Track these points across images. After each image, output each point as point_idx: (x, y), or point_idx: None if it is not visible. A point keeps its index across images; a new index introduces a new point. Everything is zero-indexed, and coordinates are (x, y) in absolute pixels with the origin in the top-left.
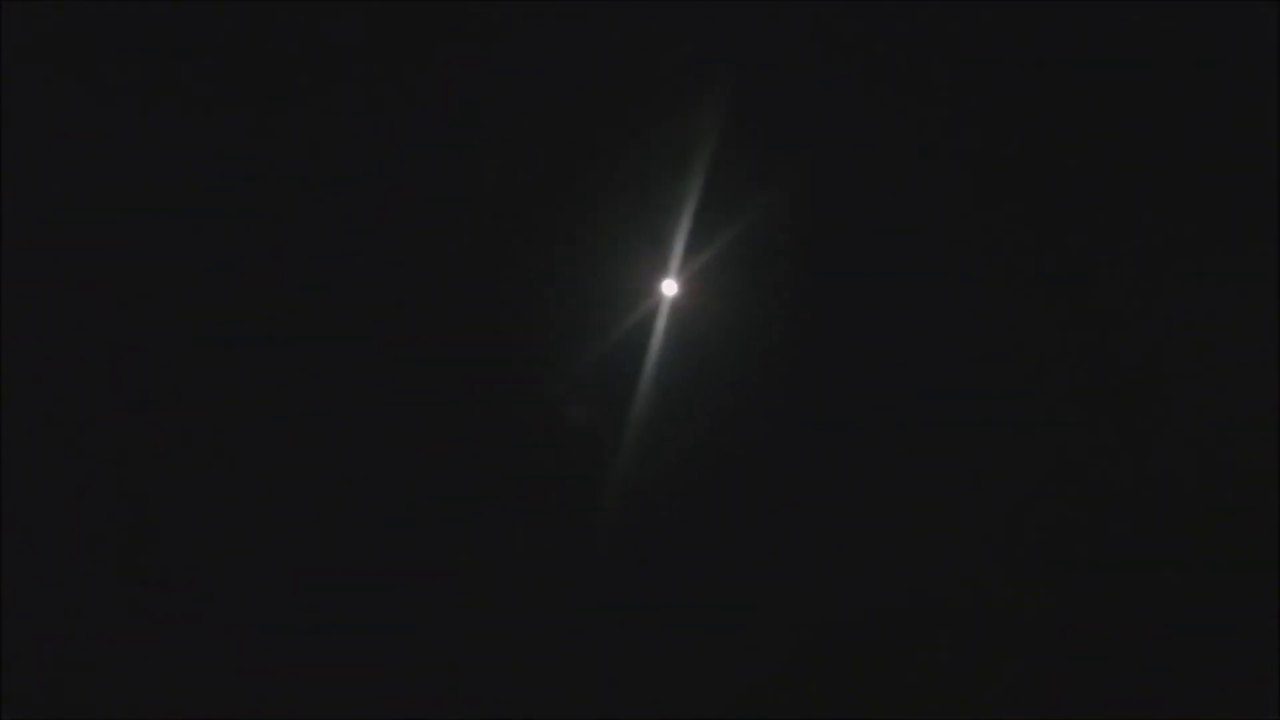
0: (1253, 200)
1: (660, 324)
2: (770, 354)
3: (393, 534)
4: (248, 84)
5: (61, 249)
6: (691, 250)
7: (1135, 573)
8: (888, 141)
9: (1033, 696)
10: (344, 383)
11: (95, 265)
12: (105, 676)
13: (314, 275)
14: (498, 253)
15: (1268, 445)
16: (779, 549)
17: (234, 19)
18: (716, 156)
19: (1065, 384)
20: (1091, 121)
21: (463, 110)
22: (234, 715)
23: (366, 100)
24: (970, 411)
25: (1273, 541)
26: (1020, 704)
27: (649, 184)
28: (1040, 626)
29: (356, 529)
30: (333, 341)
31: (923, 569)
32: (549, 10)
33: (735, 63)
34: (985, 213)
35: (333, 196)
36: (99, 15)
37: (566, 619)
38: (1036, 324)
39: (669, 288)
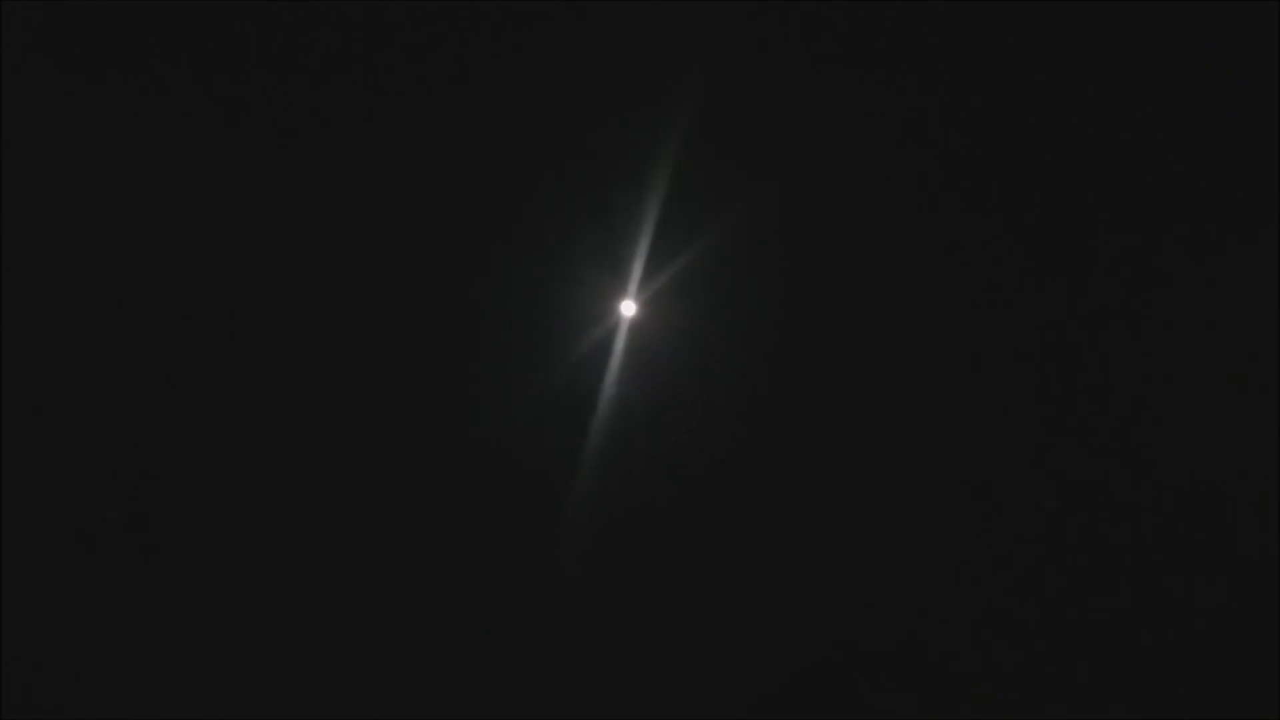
0: (1253, 201)
1: (619, 344)
2: (729, 374)
3: (351, 550)
4: (213, 85)
5: (61, 248)
6: (650, 271)
7: (1134, 574)
8: (846, 162)
9: (1033, 696)
10: (306, 402)
11: (91, 264)
12: (105, 676)
13: (277, 295)
14: (456, 273)
15: (1268, 447)
16: (739, 566)
17: (207, 17)
18: (675, 178)
19: (1042, 400)
20: (1076, 128)
21: (421, 132)
22: (234, 715)
23: (323, 129)
24: (934, 424)
25: (1273, 542)
26: (1020, 704)
27: (608, 205)
28: (1037, 626)
29: (320, 541)
30: (297, 361)
31: (882, 575)
32: (509, 34)
33: (694, 85)
34: (948, 226)
35: (296, 219)
36: (99, 14)
37: (528, 633)
38: (1002, 330)
39: (628, 308)
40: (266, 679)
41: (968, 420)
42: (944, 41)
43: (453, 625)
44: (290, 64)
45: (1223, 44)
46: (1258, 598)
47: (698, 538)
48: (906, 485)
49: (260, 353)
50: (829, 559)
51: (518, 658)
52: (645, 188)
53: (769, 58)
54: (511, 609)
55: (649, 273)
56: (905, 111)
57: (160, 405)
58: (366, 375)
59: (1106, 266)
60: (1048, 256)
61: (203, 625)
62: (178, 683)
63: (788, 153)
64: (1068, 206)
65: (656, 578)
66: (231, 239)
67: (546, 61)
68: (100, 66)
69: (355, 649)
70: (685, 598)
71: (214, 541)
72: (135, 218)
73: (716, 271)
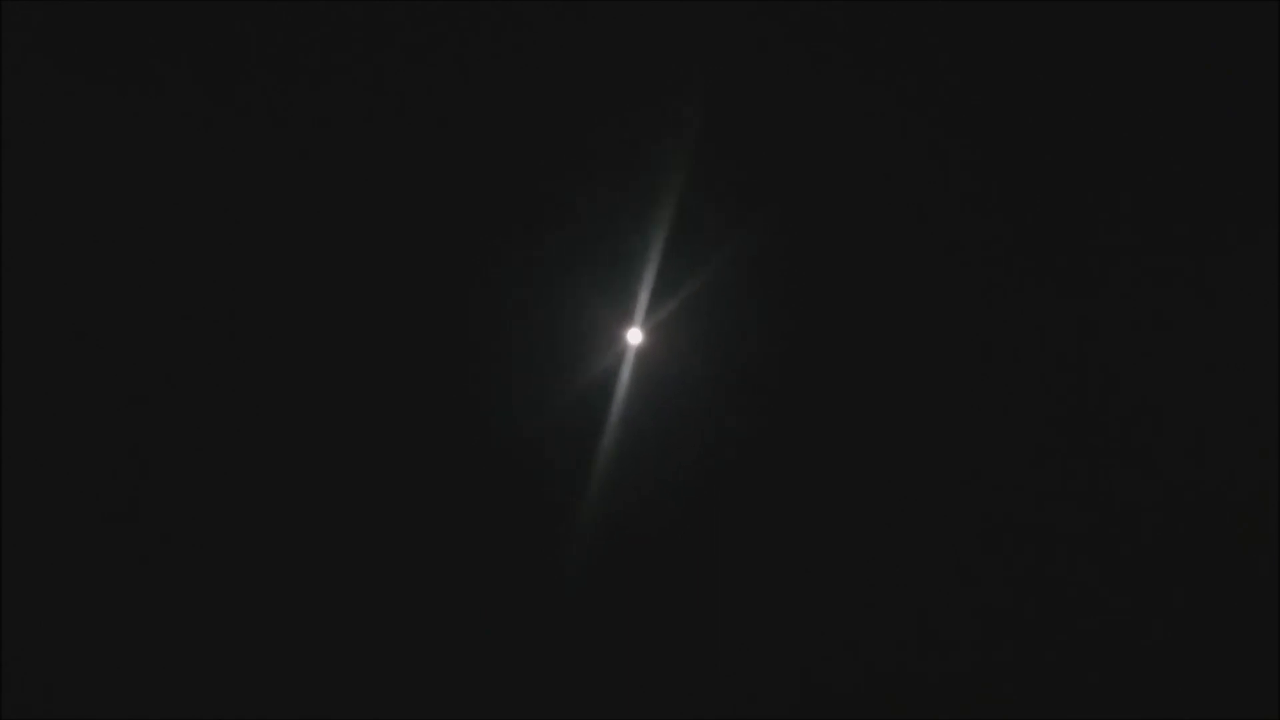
0: (1253, 201)
1: (625, 372)
2: (736, 401)
3: (359, 573)
4: (223, 87)
5: (61, 248)
6: (656, 299)
7: (1134, 574)
8: (855, 188)
9: (1033, 696)
10: (310, 423)
11: (91, 264)
12: (105, 676)
13: (275, 308)
14: (460, 301)
15: (1268, 447)
16: (746, 593)
17: (215, 17)
18: (682, 205)
19: (1053, 420)
20: (1080, 134)
21: (425, 159)
22: (234, 715)
23: (332, 145)
24: (944, 450)
25: (1273, 543)
26: (1021, 703)
27: (614, 233)
28: (1039, 626)
29: (327, 562)
30: (297, 379)
31: (890, 594)
32: (517, 55)
33: (699, 111)
34: (959, 252)
35: (296, 232)
36: (99, 14)
37: (535, 654)
38: (1011, 357)
39: (634, 336)
40: (269, 683)
41: (978, 445)
42: (955, 68)
43: (461, 645)
44: (295, 74)
45: (1223, 44)
46: (1258, 598)
47: (705, 566)
48: (915, 510)
49: (258, 368)
50: (837, 584)
51: (525, 679)
52: (651, 215)
53: (777, 84)
54: (519, 632)
55: (655, 301)
56: (917, 137)
57: (165, 407)
58: (372, 401)
59: (1110, 268)
60: (1065, 270)
61: (207, 627)
62: (178, 683)
63: (795, 180)
64: (1082, 216)
65: (662, 606)
66: (235, 246)
67: (552, 89)
68: (100, 66)
69: (362, 663)
70: (691, 625)
71: (223, 551)
72: (135, 218)
73: (723, 299)
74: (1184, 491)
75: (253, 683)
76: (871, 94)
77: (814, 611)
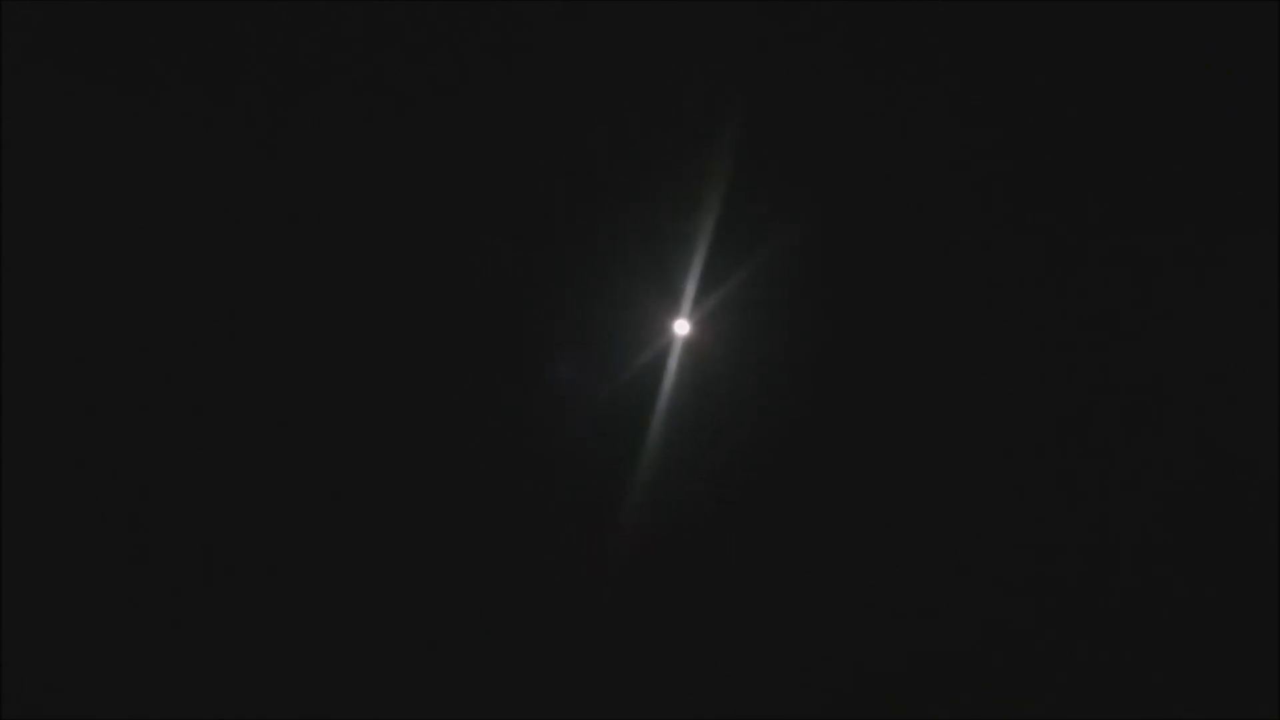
0: (1253, 201)
1: (673, 363)
2: (782, 394)
3: (399, 566)
4: (223, 87)
5: (61, 248)
6: (704, 290)
7: (1135, 574)
8: (899, 181)
9: (1035, 695)
10: (356, 419)
11: (91, 264)
12: (105, 676)
13: (325, 317)
14: (508, 293)
15: (1268, 447)
16: (790, 585)
17: (239, 19)
18: (729, 197)
19: (1081, 410)
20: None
21: (476, 148)
22: (234, 715)
23: (352, 142)
24: (982, 437)
25: (1273, 542)
26: (1023, 702)
27: (661, 224)
28: (1042, 626)
29: (366, 556)
30: (342, 378)
31: (928, 585)
32: (561, 50)
33: (746, 103)
34: (997, 245)
35: (341, 238)
36: (99, 14)
37: (577, 654)
38: (1055, 350)
39: (681, 328)
40: (299, 683)
41: (1023, 430)
42: (990, 61)
43: (502, 640)
44: (306, 73)
45: (1223, 44)
46: (1258, 597)
47: (751, 557)
48: (961, 499)
49: (292, 366)
50: (884, 576)
51: (565, 671)
52: (698, 205)
53: (821, 74)
54: (563, 625)
55: (703, 291)
56: (960, 128)
57: (168, 407)
58: (416, 397)
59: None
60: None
61: (220, 628)
62: (179, 683)
63: (841, 169)
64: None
65: (711, 599)
66: (247, 246)
67: (597, 80)
68: (100, 66)
69: (395, 658)
70: (738, 618)
71: (246, 552)
72: (136, 218)
73: (771, 289)
74: (1185, 491)
75: (276, 683)
76: (923, 85)
77: (863, 604)
